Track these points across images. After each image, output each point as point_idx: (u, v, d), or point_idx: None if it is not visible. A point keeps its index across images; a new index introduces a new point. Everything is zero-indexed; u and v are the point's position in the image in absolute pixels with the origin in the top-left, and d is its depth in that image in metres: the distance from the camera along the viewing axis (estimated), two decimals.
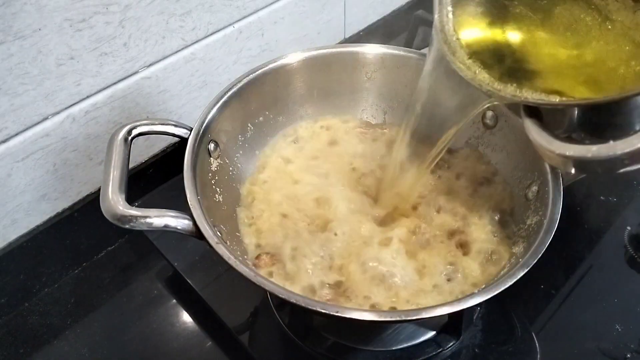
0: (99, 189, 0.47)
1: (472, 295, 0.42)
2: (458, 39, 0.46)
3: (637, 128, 0.39)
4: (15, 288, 0.61)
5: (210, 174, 0.54)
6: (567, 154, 0.37)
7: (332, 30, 0.84)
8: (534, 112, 0.41)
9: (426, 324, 0.56)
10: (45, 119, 0.57)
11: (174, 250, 0.64)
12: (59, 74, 0.55)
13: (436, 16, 0.47)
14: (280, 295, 0.41)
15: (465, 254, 0.53)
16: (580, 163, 0.37)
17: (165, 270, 0.63)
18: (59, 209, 0.64)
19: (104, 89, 0.60)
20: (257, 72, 0.59)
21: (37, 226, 0.62)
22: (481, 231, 0.54)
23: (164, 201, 0.68)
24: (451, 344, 0.56)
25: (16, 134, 0.55)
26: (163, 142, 0.71)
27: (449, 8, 0.47)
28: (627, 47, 0.41)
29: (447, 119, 0.51)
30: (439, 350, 0.55)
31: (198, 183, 0.49)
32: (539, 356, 0.55)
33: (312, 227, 0.55)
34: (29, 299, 0.61)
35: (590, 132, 0.40)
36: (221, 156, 0.56)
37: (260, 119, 0.62)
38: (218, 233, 0.46)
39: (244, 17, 0.69)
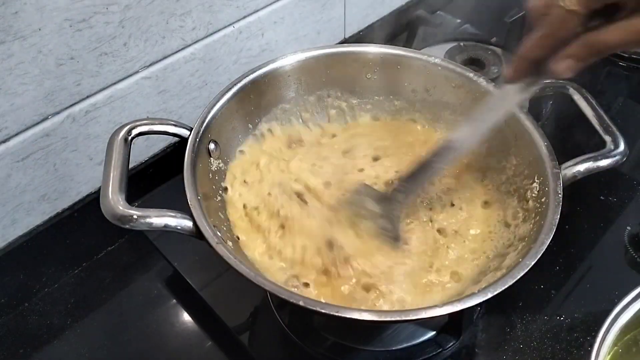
0: (99, 189, 0.47)
1: (472, 295, 0.42)
2: None
3: None
4: (15, 288, 0.61)
5: (210, 174, 0.54)
6: None
7: (332, 30, 0.84)
8: None
9: (426, 324, 0.56)
10: (45, 119, 0.56)
11: (174, 250, 0.64)
12: (59, 74, 0.55)
13: None
14: (280, 295, 0.41)
15: None
16: None
17: (165, 270, 0.63)
18: (59, 209, 0.64)
19: (104, 89, 0.60)
20: (256, 72, 0.59)
21: (37, 226, 0.62)
22: None
23: (164, 201, 0.68)
24: (451, 344, 0.56)
25: (16, 134, 0.55)
26: (163, 142, 0.71)
27: None
28: None
29: None
30: (439, 350, 0.55)
31: (198, 183, 0.49)
32: (539, 356, 0.55)
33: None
34: (29, 299, 0.61)
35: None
36: (221, 156, 0.56)
37: (260, 118, 0.62)
38: (218, 233, 0.46)
39: (244, 17, 0.69)
